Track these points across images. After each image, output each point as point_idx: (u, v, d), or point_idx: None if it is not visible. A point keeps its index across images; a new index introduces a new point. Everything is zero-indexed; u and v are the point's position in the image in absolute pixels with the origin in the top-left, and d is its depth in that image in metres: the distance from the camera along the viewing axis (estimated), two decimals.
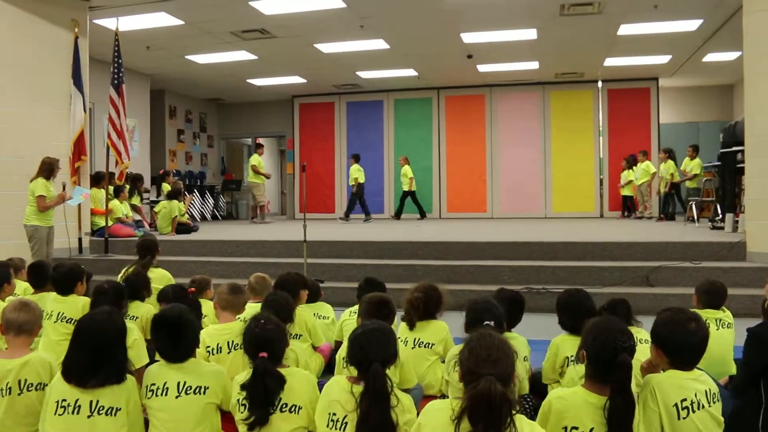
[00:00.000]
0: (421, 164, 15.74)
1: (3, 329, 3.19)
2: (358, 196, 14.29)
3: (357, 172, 14.14)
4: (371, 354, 2.59)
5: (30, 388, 3.01)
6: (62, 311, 4.27)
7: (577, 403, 2.44)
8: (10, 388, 2.98)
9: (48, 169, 7.70)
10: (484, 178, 15.41)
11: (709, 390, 2.56)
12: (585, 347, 2.54)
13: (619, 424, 2.35)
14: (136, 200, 11.37)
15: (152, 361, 3.24)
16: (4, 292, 4.43)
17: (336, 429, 2.57)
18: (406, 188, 14.72)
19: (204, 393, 2.85)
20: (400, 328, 3.92)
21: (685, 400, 2.48)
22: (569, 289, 3.88)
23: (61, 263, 4.87)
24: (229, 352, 3.63)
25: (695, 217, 11.02)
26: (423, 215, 14.88)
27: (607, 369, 2.41)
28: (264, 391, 2.72)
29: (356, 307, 4.35)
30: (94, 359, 2.71)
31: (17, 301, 3.27)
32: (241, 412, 2.76)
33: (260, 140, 17.22)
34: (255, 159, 13.84)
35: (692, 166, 12.08)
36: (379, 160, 16.09)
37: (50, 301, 4.39)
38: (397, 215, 15.02)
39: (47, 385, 2.95)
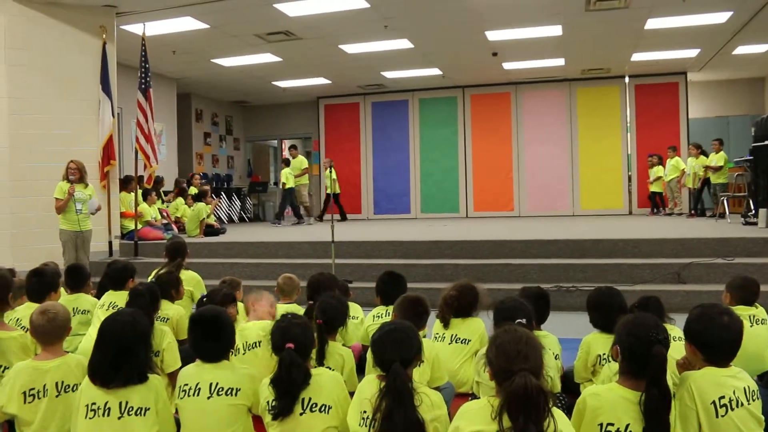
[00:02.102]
0: (447, 164, 15.73)
1: (32, 334, 3.29)
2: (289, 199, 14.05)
3: (287, 176, 13.84)
4: (390, 354, 2.60)
5: (67, 390, 3.07)
6: (114, 301, 4.41)
7: (612, 399, 2.41)
8: (47, 389, 3.04)
9: (65, 171, 7.77)
10: (510, 177, 15.31)
11: (748, 387, 2.51)
12: (618, 343, 2.53)
13: (656, 416, 2.32)
14: (158, 203, 11.51)
15: (185, 362, 3.27)
16: (50, 299, 4.42)
17: (366, 427, 2.57)
18: (329, 191, 14.35)
19: (235, 395, 2.87)
20: (435, 323, 3.93)
21: (723, 397, 2.44)
22: (600, 287, 3.84)
23: (115, 261, 5.02)
24: (244, 353, 3.66)
25: (726, 213, 10.84)
26: (321, 218, 14.99)
27: (642, 362, 2.39)
28: (289, 382, 2.73)
29: (378, 310, 4.35)
30: (117, 360, 2.75)
31: (40, 309, 3.30)
32: (270, 414, 2.76)
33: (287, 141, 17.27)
34: (302, 162, 13.84)
35: (717, 158, 11.90)
36: (405, 161, 16.08)
37: (105, 295, 4.61)
38: (342, 217, 14.85)
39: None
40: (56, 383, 3.06)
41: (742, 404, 2.45)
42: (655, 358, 2.36)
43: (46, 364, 3.11)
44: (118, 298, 4.42)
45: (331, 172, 14.12)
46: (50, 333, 3.21)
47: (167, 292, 4.66)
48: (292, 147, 14.42)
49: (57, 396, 3.05)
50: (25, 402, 3.02)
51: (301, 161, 13.89)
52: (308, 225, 13.60)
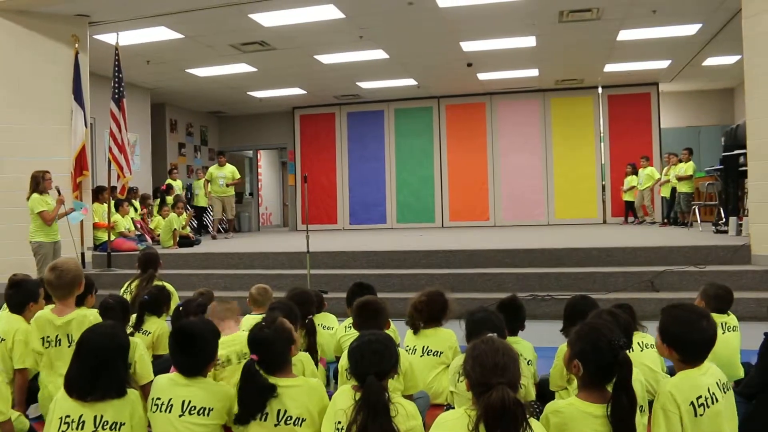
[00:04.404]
0: (423, 174, 15.77)
1: (46, 288, 3.81)
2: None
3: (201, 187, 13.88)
4: (366, 366, 2.58)
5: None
6: None
7: (575, 415, 2.40)
8: (60, 340, 3.62)
9: (34, 183, 7.69)
10: (486, 187, 15.39)
11: (720, 380, 2.57)
12: (579, 357, 2.46)
13: (625, 423, 2.33)
14: (131, 213, 11.41)
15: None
16: (29, 311, 4.21)
17: None
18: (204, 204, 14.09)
19: (208, 414, 2.81)
20: (406, 335, 3.91)
21: (700, 397, 2.48)
22: (576, 296, 3.86)
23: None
24: (239, 362, 3.61)
25: (698, 221, 10.97)
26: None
27: (607, 372, 2.39)
28: (245, 393, 2.72)
29: (349, 321, 4.32)
30: (95, 373, 2.69)
31: (51, 265, 3.72)
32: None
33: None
34: (236, 171, 13.63)
35: (686, 167, 12.06)
36: (380, 171, 16.10)
37: None
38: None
39: None
40: (67, 335, 3.60)
41: (717, 400, 2.51)
42: (622, 366, 2.36)
43: (58, 319, 3.61)
44: None
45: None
46: (59, 288, 3.64)
47: (159, 308, 4.62)
48: (220, 154, 14.01)
49: (69, 346, 3.52)
50: (43, 346, 3.64)
51: (234, 171, 13.55)
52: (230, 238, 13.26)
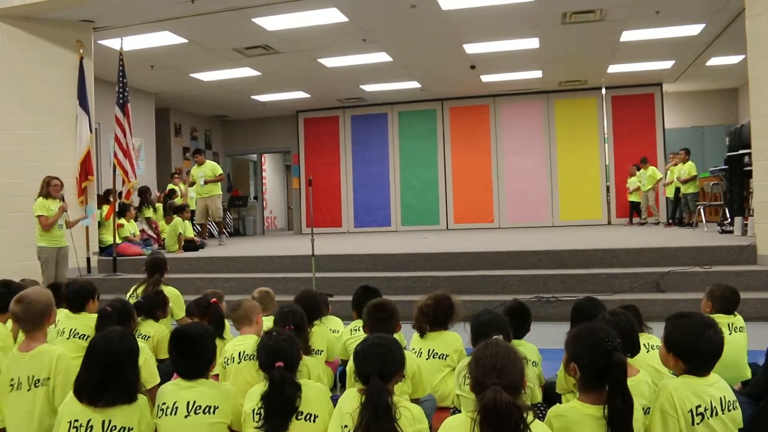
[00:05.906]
0: (427, 176, 15.77)
1: (13, 322, 3.48)
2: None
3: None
4: (369, 367, 2.59)
5: (38, 384, 3.14)
6: (74, 327, 4.26)
7: (577, 419, 2.41)
8: (21, 383, 3.15)
9: (44, 187, 7.71)
10: (490, 188, 15.38)
11: (724, 397, 2.53)
12: (575, 360, 2.48)
13: (621, 424, 2.32)
14: (149, 213, 11.45)
15: (164, 381, 3.23)
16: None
17: None
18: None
19: (213, 413, 2.83)
20: (412, 338, 3.91)
21: (699, 406, 2.46)
22: (583, 299, 3.85)
23: (73, 280, 4.88)
24: (239, 363, 3.63)
25: (703, 222, 10.95)
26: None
27: (604, 373, 2.39)
28: (283, 400, 2.70)
29: (354, 324, 4.33)
30: (105, 378, 2.70)
31: (17, 297, 3.38)
32: (256, 422, 2.73)
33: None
34: (217, 167, 12.13)
35: (687, 169, 12.02)
36: (384, 174, 16.11)
37: (62, 318, 4.37)
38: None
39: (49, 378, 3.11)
40: (28, 377, 3.15)
41: (717, 413, 2.47)
42: (616, 367, 2.36)
43: (23, 356, 3.22)
44: (78, 324, 4.27)
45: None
46: (27, 321, 3.32)
47: (152, 312, 4.62)
48: (197, 152, 12.31)
49: (28, 390, 3.13)
50: (10, 391, 3.16)
51: (214, 167, 11.95)
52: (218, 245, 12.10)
